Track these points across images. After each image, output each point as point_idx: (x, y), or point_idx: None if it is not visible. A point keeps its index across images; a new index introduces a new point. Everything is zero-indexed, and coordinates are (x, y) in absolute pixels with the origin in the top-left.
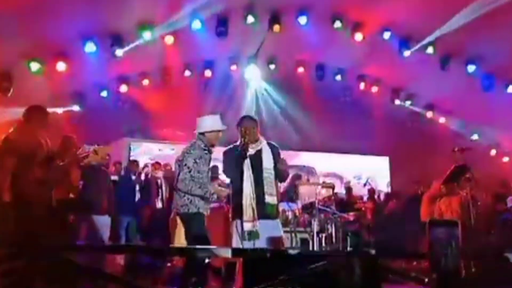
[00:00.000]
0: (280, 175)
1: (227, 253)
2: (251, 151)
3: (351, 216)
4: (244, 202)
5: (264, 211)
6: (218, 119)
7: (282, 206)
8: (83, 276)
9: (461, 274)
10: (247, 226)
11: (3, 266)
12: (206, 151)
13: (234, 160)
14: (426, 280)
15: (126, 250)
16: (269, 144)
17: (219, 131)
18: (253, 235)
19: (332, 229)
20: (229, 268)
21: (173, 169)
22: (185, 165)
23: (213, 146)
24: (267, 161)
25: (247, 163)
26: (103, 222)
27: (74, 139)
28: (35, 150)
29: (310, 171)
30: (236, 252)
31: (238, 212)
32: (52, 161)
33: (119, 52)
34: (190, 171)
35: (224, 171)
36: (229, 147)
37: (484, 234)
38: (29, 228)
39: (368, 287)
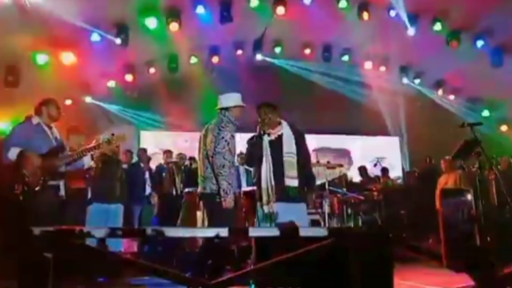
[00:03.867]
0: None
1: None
2: (272, 136)
3: (362, 196)
4: (263, 185)
5: (284, 194)
6: (240, 96)
7: None
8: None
9: (476, 241)
10: (265, 209)
11: None
12: (235, 127)
13: (255, 146)
14: (442, 250)
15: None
16: (292, 127)
17: (242, 107)
18: (268, 217)
19: (343, 210)
20: (242, 250)
21: (187, 156)
22: (222, 138)
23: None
24: (288, 145)
25: (266, 147)
26: (116, 211)
27: (79, 128)
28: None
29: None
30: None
31: (259, 195)
32: (61, 152)
33: (124, 41)
34: (228, 144)
35: (247, 159)
36: (252, 135)
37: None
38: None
39: (380, 265)
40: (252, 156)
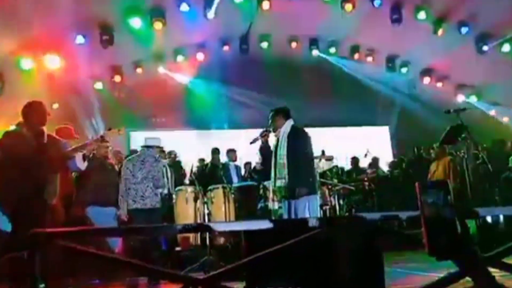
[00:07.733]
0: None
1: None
2: (274, 140)
3: (353, 186)
4: (271, 183)
5: (280, 193)
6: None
7: None
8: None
9: (457, 228)
10: (270, 205)
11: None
12: None
13: (265, 146)
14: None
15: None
16: (292, 129)
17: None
18: (273, 212)
19: (335, 201)
20: (234, 245)
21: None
22: None
23: None
24: (281, 147)
25: (273, 149)
26: (109, 213)
27: (70, 129)
28: (22, 151)
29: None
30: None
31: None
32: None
33: (109, 42)
34: None
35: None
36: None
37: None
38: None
39: (367, 252)
40: (264, 156)
